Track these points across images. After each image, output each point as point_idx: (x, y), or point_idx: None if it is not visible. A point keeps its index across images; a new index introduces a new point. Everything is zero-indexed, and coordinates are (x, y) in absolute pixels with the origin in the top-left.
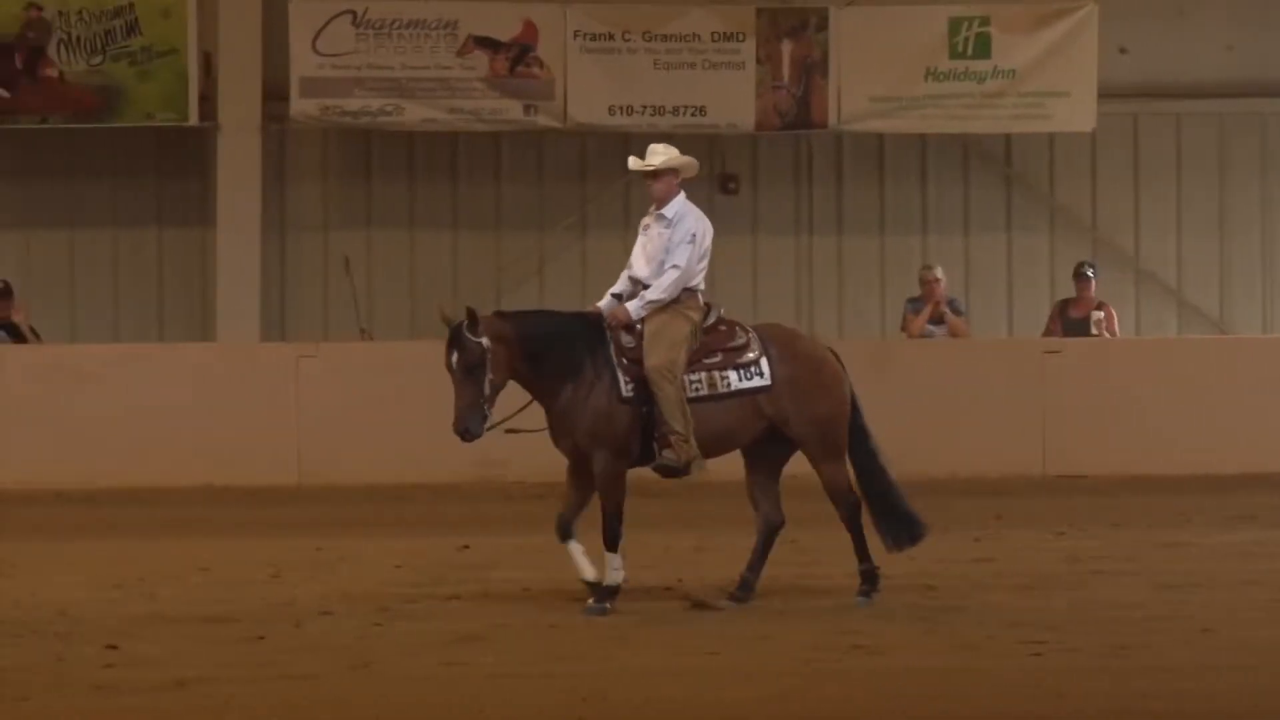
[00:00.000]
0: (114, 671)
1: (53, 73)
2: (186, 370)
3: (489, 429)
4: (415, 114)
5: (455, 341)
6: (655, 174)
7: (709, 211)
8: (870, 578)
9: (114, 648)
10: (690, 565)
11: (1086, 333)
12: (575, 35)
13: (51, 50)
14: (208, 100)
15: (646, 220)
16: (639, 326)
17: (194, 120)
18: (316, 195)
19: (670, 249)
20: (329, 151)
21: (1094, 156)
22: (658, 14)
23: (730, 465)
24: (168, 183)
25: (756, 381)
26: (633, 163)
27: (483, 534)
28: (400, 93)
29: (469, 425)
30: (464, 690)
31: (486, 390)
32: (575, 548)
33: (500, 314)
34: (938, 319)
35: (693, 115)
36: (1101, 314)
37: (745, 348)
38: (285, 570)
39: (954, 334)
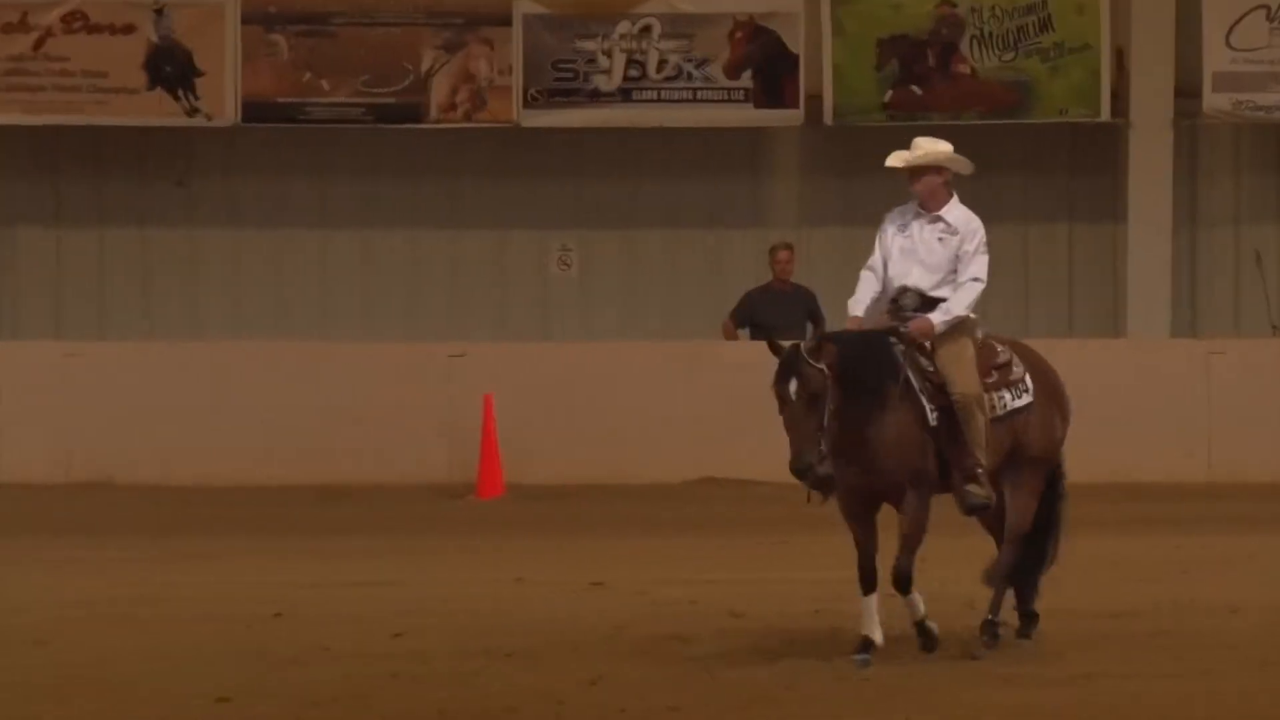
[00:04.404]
0: (1018, 667)
1: (965, 69)
2: (1097, 366)
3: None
4: None
5: (794, 368)
6: (915, 171)
7: None
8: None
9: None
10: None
11: None
12: None
13: (964, 47)
14: (1119, 96)
15: (902, 220)
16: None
17: (1105, 116)
18: (1228, 190)
19: (965, 259)
20: (1241, 146)
21: None
22: None
23: None
24: (1078, 178)
25: (1024, 399)
26: (892, 159)
27: None
28: None
29: (811, 460)
30: None
31: (826, 421)
32: (875, 603)
33: (826, 337)
34: None
35: None
36: None
37: (1011, 364)
38: (1192, 567)
39: None
